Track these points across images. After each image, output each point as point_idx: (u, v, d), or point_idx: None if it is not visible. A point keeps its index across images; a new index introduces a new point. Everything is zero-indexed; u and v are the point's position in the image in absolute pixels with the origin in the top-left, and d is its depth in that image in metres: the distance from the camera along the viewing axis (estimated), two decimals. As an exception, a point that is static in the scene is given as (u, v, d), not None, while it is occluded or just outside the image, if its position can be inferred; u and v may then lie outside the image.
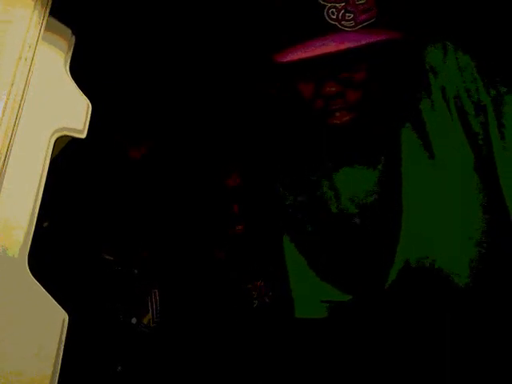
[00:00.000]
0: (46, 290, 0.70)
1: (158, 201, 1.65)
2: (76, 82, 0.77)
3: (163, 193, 1.65)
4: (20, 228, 0.69)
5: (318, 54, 0.93)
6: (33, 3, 0.74)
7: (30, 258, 0.69)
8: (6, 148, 0.70)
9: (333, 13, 0.94)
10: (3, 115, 0.70)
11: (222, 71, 1.35)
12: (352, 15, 0.93)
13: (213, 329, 1.60)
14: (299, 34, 0.96)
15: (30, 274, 0.69)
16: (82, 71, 0.80)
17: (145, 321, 1.56)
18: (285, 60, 0.97)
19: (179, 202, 1.67)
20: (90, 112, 0.77)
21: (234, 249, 1.67)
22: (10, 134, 0.70)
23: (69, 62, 0.78)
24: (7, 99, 0.71)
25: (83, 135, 0.76)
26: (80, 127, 0.76)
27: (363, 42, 0.92)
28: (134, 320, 1.54)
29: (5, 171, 0.69)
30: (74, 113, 0.76)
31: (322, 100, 1.01)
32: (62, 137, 0.75)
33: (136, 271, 1.59)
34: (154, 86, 1.52)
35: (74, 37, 0.78)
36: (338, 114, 1.01)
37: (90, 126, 0.78)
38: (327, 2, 0.94)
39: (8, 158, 0.70)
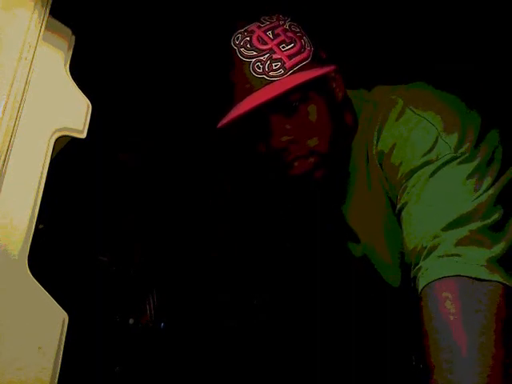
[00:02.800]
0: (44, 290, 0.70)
1: (154, 202, 1.65)
2: (76, 81, 0.77)
3: (159, 194, 1.65)
4: (20, 228, 0.69)
5: (246, 110, 0.89)
6: (33, 3, 0.74)
7: (30, 258, 0.69)
8: (6, 148, 0.70)
9: (258, 67, 0.91)
10: (3, 115, 0.70)
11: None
12: (279, 63, 0.90)
13: (211, 328, 1.60)
14: (231, 97, 0.94)
15: (31, 275, 0.69)
16: (82, 71, 0.80)
17: (142, 321, 1.56)
18: (219, 126, 0.94)
19: (175, 202, 1.67)
20: (90, 112, 0.77)
21: (230, 249, 1.67)
22: (10, 134, 0.70)
23: (69, 61, 0.78)
24: (7, 99, 0.71)
25: (83, 135, 0.76)
26: (80, 127, 0.76)
27: (289, 86, 0.88)
28: (131, 320, 1.54)
29: (5, 171, 0.69)
30: (74, 113, 0.76)
31: (277, 155, 0.95)
32: (62, 137, 0.75)
33: (132, 271, 1.59)
34: (154, 86, 1.52)
35: (74, 37, 0.78)
36: (296, 163, 0.95)
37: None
38: (250, 58, 0.92)
39: (8, 158, 0.70)
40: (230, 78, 0.95)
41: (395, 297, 1.12)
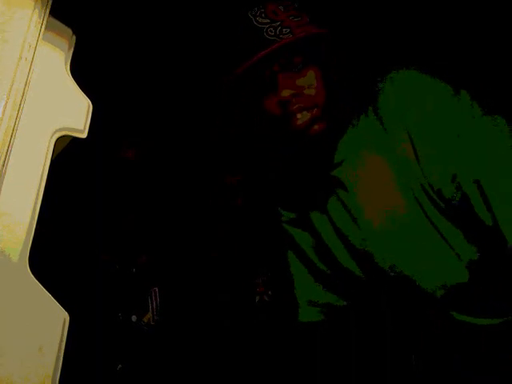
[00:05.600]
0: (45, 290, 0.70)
1: (155, 201, 1.65)
2: (77, 81, 0.77)
3: (160, 194, 1.65)
4: (21, 228, 0.69)
5: (259, 57, 1.03)
6: (33, 3, 0.74)
7: (30, 258, 0.69)
8: (6, 148, 0.69)
9: (271, 31, 1.04)
10: (3, 115, 0.70)
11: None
12: (289, 29, 1.04)
13: (213, 326, 1.60)
14: (246, 53, 1.06)
15: (31, 275, 0.69)
16: (83, 71, 0.80)
17: (145, 319, 1.56)
18: (235, 73, 1.07)
19: (176, 201, 1.67)
20: (90, 112, 0.77)
21: (234, 246, 1.67)
22: (10, 134, 0.70)
23: (69, 61, 0.78)
24: (7, 99, 0.70)
25: (84, 135, 0.76)
26: (81, 127, 0.76)
27: (293, 38, 1.02)
28: (134, 318, 1.55)
29: (5, 172, 0.69)
30: (75, 112, 0.76)
31: (283, 107, 1.06)
32: (62, 137, 0.74)
33: (134, 270, 1.59)
34: (154, 85, 1.52)
35: (74, 36, 0.78)
36: (299, 115, 1.06)
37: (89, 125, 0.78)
38: (264, 25, 1.05)
39: (8, 159, 0.69)
40: (246, 40, 1.07)
41: (395, 293, 1.12)
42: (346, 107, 1.12)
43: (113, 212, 1.55)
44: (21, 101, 0.71)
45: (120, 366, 1.49)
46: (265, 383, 1.49)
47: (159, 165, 1.63)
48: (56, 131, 0.74)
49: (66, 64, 0.77)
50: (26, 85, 0.72)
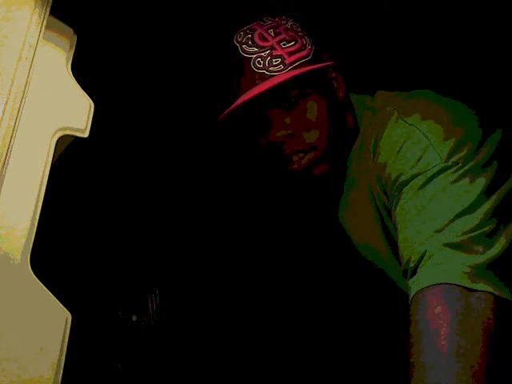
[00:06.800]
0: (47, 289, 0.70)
1: (156, 200, 1.65)
2: (79, 81, 0.77)
3: (161, 193, 1.65)
4: (22, 229, 0.69)
5: (243, 101, 0.91)
6: (33, 3, 0.73)
7: (32, 258, 0.69)
8: (6, 148, 0.69)
9: (259, 62, 0.93)
10: (3, 115, 0.69)
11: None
12: (279, 59, 0.92)
13: (213, 326, 1.60)
14: (233, 92, 0.95)
15: (33, 275, 0.68)
16: (85, 70, 0.79)
17: (145, 319, 1.56)
18: (220, 118, 0.96)
19: (177, 201, 1.67)
20: (92, 111, 0.77)
21: (233, 246, 1.67)
22: (10, 134, 0.70)
23: (70, 61, 0.77)
24: (7, 99, 0.70)
25: (85, 134, 0.76)
26: (82, 126, 0.76)
27: (285, 78, 0.90)
28: (134, 317, 1.55)
29: (5, 172, 0.69)
30: (76, 112, 0.76)
31: (276, 149, 0.96)
32: (64, 136, 0.74)
33: (135, 270, 1.59)
34: (155, 84, 1.52)
35: (75, 36, 0.78)
36: (294, 158, 0.96)
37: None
38: (251, 54, 0.94)
39: (8, 159, 0.69)
40: (232, 73, 0.96)
41: (395, 295, 1.13)
42: (349, 143, 1.02)
43: (113, 212, 1.55)
44: (21, 101, 0.71)
45: (120, 365, 1.49)
46: (264, 383, 1.50)
47: (160, 165, 1.63)
48: (57, 131, 0.74)
49: (67, 63, 0.77)
50: (26, 85, 0.72)
